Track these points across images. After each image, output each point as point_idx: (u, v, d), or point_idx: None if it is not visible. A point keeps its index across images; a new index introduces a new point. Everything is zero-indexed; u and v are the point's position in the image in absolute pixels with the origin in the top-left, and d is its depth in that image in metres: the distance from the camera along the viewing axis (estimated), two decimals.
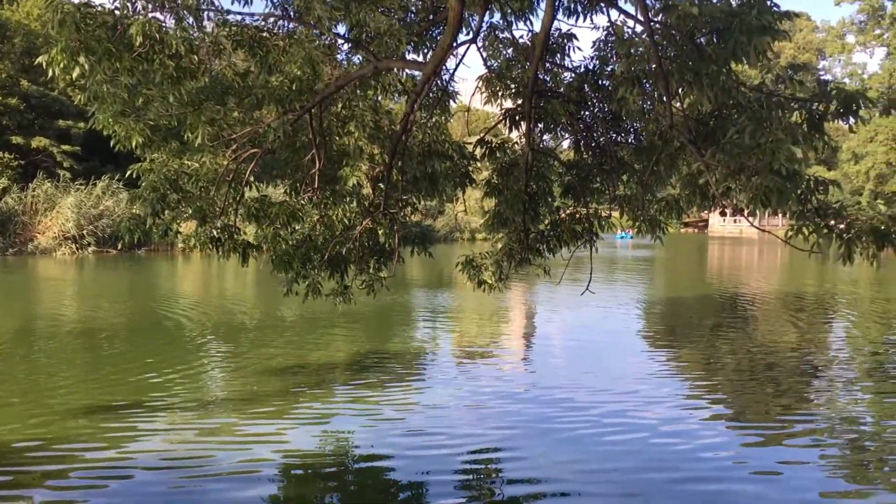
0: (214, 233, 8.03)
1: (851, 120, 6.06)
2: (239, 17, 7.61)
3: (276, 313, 18.97)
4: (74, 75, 6.50)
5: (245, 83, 7.74)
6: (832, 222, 5.90)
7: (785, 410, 10.95)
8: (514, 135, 9.23)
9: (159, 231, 7.89)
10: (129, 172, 8.06)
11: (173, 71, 6.87)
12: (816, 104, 5.96)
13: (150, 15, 6.52)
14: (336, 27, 7.95)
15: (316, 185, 8.49)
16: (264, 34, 7.59)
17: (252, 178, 8.57)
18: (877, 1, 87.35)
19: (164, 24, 6.60)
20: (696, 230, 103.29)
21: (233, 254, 8.25)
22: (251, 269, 10.41)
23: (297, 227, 8.80)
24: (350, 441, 9.20)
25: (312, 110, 7.95)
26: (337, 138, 8.92)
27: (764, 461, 8.74)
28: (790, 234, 5.99)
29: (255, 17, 7.67)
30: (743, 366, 14.24)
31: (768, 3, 5.59)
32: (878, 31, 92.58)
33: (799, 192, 5.86)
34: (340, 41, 8.31)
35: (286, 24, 7.74)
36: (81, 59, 6.36)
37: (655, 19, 6.31)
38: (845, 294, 28.19)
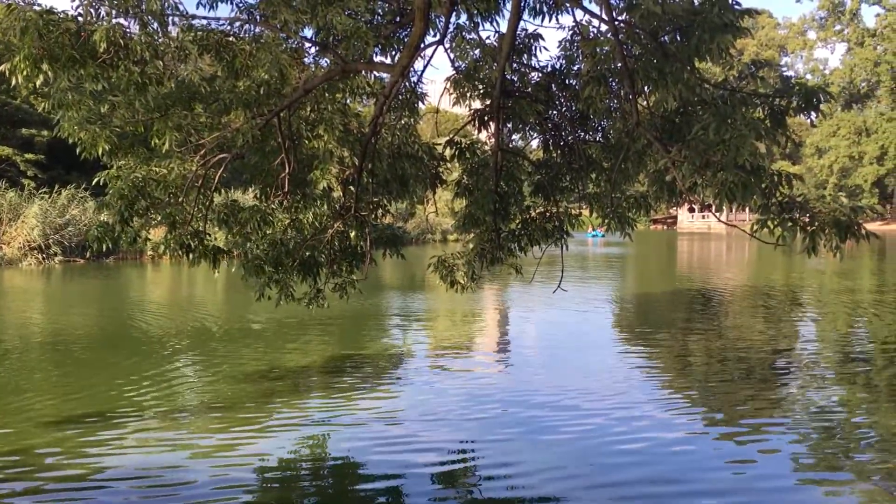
0: (184, 239, 7.96)
1: (813, 115, 6.20)
2: (204, 22, 7.59)
3: (248, 319, 18.84)
4: (38, 83, 6.42)
5: (212, 88, 7.71)
6: (796, 215, 6.02)
7: (757, 402, 11.12)
8: (483, 135, 9.28)
9: (128, 238, 7.81)
10: (95, 180, 7.98)
11: (139, 77, 6.82)
12: (778, 99, 6.09)
13: (114, 21, 6.46)
14: (303, 30, 7.95)
15: (286, 189, 8.47)
16: (230, 38, 7.57)
17: (221, 184, 8.52)
18: None
19: (128, 30, 6.55)
20: (664, 226, 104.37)
21: (203, 260, 8.19)
22: (222, 275, 10.36)
23: (267, 232, 8.76)
24: (326, 446, 9.18)
25: (281, 114, 7.94)
26: (306, 142, 8.92)
27: (738, 453, 8.87)
28: (756, 227, 6.10)
29: (221, 22, 7.66)
30: (715, 360, 14.43)
31: (730, 0, 5.69)
32: (838, 27, 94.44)
33: (763, 186, 5.97)
34: (307, 44, 8.31)
35: (252, 28, 7.71)
36: (45, 67, 6.29)
37: (620, 18, 6.40)
38: (812, 286, 28.68)
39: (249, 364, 13.61)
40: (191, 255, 8.07)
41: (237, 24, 7.64)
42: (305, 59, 8.56)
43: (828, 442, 9.28)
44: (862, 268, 36.73)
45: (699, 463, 8.48)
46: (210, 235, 8.39)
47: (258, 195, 9.03)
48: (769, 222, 6.00)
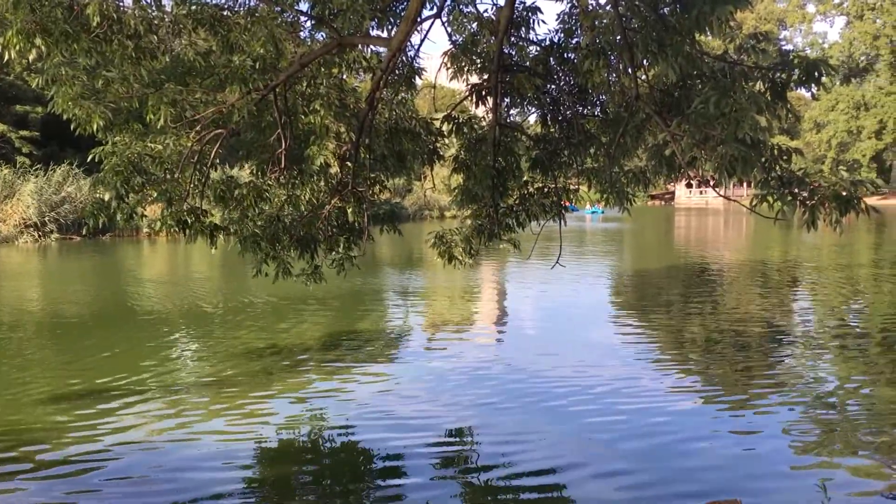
0: (181, 215, 7.91)
1: (814, 88, 6.14)
2: None
3: (245, 296, 18.84)
4: (31, 58, 6.35)
5: (207, 63, 7.62)
6: (796, 190, 5.98)
7: (753, 377, 11.16)
8: (481, 110, 9.20)
9: (124, 215, 7.75)
10: (90, 156, 7.90)
11: (133, 51, 6.75)
12: (779, 73, 6.02)
13: None
14: (298, 4, 7.85)
15: (283, 165, 8.40)
16: (225, 12, 7.49)
17: (217, 160, 8.45)
18: None
19: (121, 4, 6.47)
20: (662, 202, 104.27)
21: (200, 236, 8.15)
22: (219, 252, 10.30)
23: (264, 208, 8.71)
24: (324, 421, 9.21)
25: (277, 89, 7.85)
26: (303, 117, 8.83)
27: (734, 427, 8.91)
28: (755, 202, 6.06)
29: None
30: (712, 334, 14.46)
31: None
32: (837, 1, 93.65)
33: (763, 160, 5.92)
34: (303, 18, 8.21)
35: (247, 2, 7.62)
36: (38, 41, 6.21)
37: None
38: (809, 261, 28.71)
39: (247, 342, 13.62)
40: (188, 232, 8.02)
41: None
42: (301, 34, 8.47)
43: (825, 416, 9.32)
44: (859, 242, 36.77)
45: (697, 440, 8.50)
46: (207, 212, 8.34)
47: (254, 171, 8.97)
48: (769, 197, 5.96)
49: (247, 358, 12.25)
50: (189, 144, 7.88)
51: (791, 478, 7.41)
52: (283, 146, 8.27)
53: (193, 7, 7.27)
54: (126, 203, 7.66)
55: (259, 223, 8.61)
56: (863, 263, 27.78)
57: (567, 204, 9.34)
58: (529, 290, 20.83)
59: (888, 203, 78.97)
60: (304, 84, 8.75)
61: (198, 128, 7.86)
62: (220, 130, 7.95)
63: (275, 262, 8.81)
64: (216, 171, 8.65)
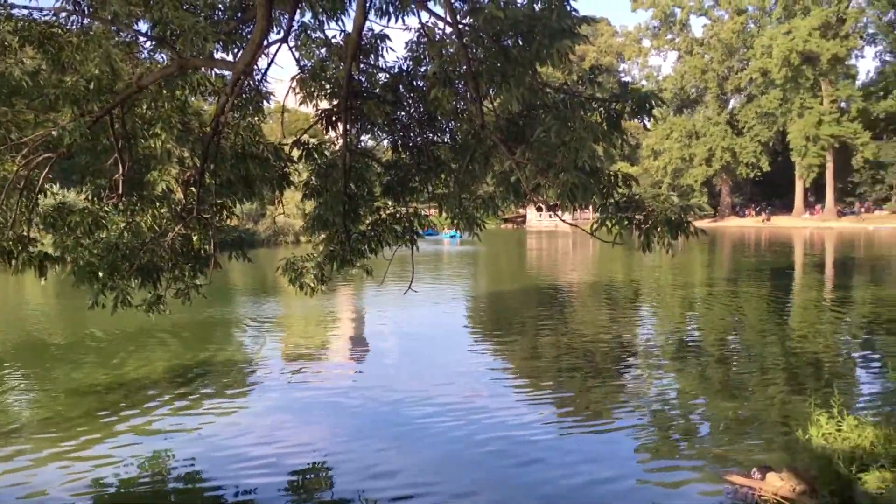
0: (4, 244, 7.34)
1: (646, 118, 6.51)
2: (25, 12, 7.03)
3: (83, 329, 17.69)
4: None
5: (35, 83, 7.15)
6: (632, 214, 6.30)
7: (602, 394, 11.62)
8: (332, 135, 9.13)
9: None
10: None
11: None
12: (614, 104, 6.36)
13: None
14: (136, 24, 7.52)
15: (121, 191, 7.98)
16: (55, 30, 7.05)
17: (48, 185, 7.93)
18: (668, 7, 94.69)
19: None
20: (514, 225, 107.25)
21: (28, 267, 7.59)
22: (54, 283, 9.64)
23: (101, 236, 8.22)
24: (171, 460, 8.76)
25: (114, 111, 7.47)
26: (143, 141, 8.44)
27: (584, 442, 9.24)
28: (595, 226, 6.34)
29: (45, 12, 7.11)
30: (562, 353, 14.96)
31: (567, 8, 5.87)
32: (669, 37, 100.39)
33: (601, 187, 6.21)
34: (142, 38, 7.87)
35: (80, 20, 7.21)
36: None
37: (464, 21, 6.47)
38: (650, 281, 30.35)
39: (86, 376, 12.80)
40: (13, 263, 7.45)
41: (63, 14, 7.11)
42: (140, 54, 8.11)
43: (666, 429, 9.83)
44: (694, 262, 39.28)
45: (548, 455, 8.74)
46: (36, 240, 7.78)
47: (90, 197, 8.47)
48: (607, 221, 6.25)
49: (84, 394, 11.49)
50: (15, 169, 7.34)
51: (637, 489, 7.74)
52: (122, 171, 7.87)
53: (20, 23, 6.80)
54: None
55: (95, 252, 8.12)
56: (697, 282, 29.68)
57: (425, 228, 9.39)
58: (386, 315, 20.80)
59: (718, 225, 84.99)
60: (145, 106, 8.37)
61: (24, 151, 7.35)
62: (49, 154, 7.46)
63: (113, 292, 8.32)
64: (46, 196, 8.09)
